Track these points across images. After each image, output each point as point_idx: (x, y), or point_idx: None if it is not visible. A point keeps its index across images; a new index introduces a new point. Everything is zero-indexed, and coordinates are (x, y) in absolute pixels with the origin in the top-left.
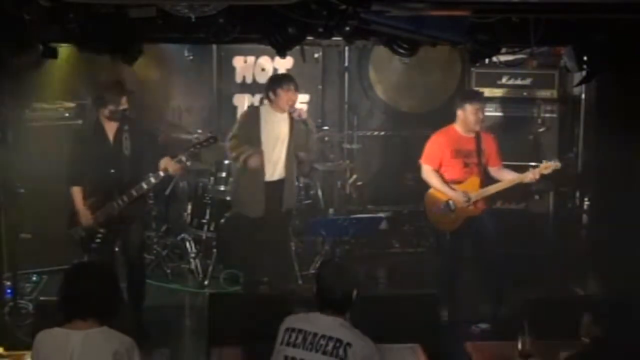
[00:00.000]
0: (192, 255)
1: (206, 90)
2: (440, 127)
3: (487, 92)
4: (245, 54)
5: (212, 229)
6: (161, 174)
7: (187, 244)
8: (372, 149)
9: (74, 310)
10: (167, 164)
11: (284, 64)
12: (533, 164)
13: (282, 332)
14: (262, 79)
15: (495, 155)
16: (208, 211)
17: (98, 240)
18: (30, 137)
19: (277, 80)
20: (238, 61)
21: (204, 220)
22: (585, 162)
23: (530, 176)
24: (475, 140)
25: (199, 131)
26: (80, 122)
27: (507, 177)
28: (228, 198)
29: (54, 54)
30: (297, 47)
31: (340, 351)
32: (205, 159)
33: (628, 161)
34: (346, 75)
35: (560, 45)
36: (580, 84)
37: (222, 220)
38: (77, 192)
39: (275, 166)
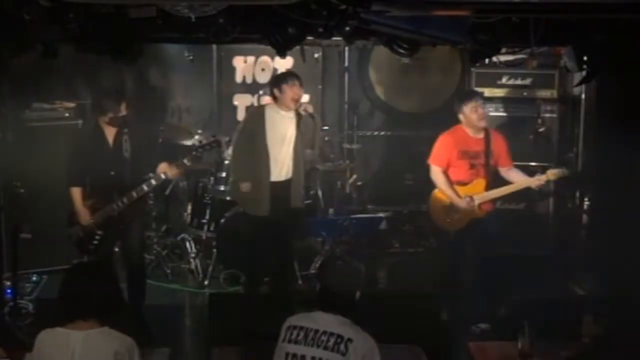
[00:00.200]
0: (192, 255)
1: (206, 90)
2: (440, 127)
3: (487, 92)
4: (245, 54)
5: (212, 229)
6: (162, 176)
7: (187, 244)
8: (372, 149)
9: (74, 311)
10: (165, 169)
11: (284, 64)
12: (533, 164)
13: (284, 331)
14: (262, 79)
15: (505, 155)
16: (208, 211)
17: (95, 242)
18: (30, 137)
19: (282, 77)
20: (238, 61)
21: (204, 220)
22: (585, 162)
23: (536, 182)
24: (484, 141)
25: (199, 131)
26: (80, 122)
27: (516, 178)
28: (228, 198)
29: (54, 54)
30: (297, 47)
31: (342, 346)
32: (205, 159)
33: (628, 161)
34: (346, 75)
35: (560, 45)
36: (580, 84)
37: (222, 220)
38: (76, 192)
39: (282, 166)
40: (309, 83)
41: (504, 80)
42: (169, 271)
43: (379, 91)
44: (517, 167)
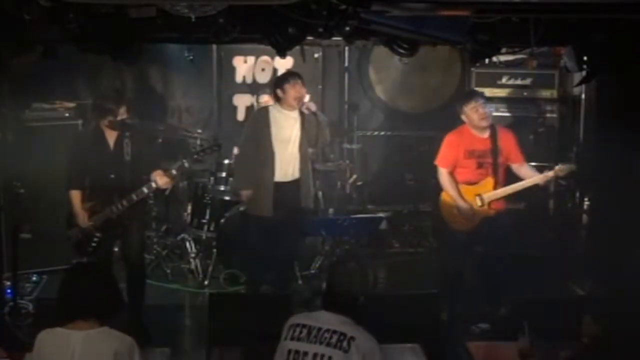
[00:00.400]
0: (192, 255)
1: (206, 90)
2: (440, 127)
3: (487, 92)
4: (245, 54)
5: (212, 229)
6: (152, 184)
7: (187, 244)
8: (372, 149)
9: (73, 311)
10: (156, 176)
11: (284, 64)
12: (533, 163)
13: (287, 329)
14: (262, 79)
15: (515, 152)
16: (208, 211)
17: (94, 244)
18: (30, 137)
19: (283, 77)
20: (238, 61)
21: (204, 220)
22: (585, 162)
23: (544, 179)
24: (490, 140)
25: (199, 131)
26: (80, 122)
27: (527, 175)
28: (228, 198)
29: (54, 54)
30: (297, 47)
31: (344, 344)
32: (205, 159)
33: (628, 161)
34: (346, 75)
35: (560, 45)
36: (580, 84)
37: (222, 220)
38: (75, 195)
39: (287, 167)
40: (309, 83)
41: (504, 80)
42: (169, 271)
43: (379, 91)
44: None
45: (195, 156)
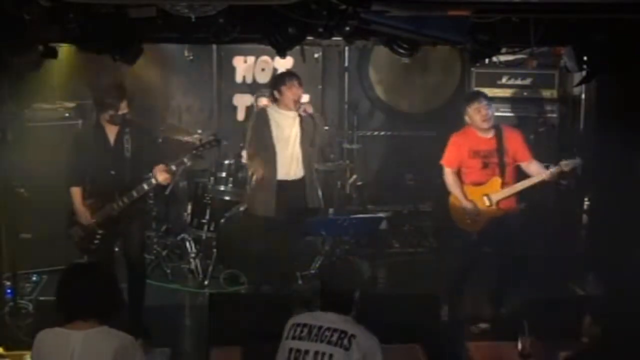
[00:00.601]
0: (192, 255)
1: (206, 90)
2: (440, 127)
3: (487, 92)
4: (245, 54)
5: (212, 229)
6: (152, 180)
7: (187, 244)
8: (372, 149)
9: (72, 311)
10: (156, 172)
11: (284, 64)
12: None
13: (288, 329)
14: (262, 79)
15: (523, 150)
16: (208, 211)
17: (97, 241)
18: (30, 137)
19: (280, 79)
20: (238, 61)
21: (204, 220)
22: (585, 162)
23: (549, 175)
24: (495, 140)
25: (199, 131)
26: (80, 122)
27: (535, 172)
28: (228, 198)
29: (54, 54)
30: (297, 47)
31: (345, 341)
32: (205, 158)
33: (628, 161)
34: (346, 75)
35: (560, 45)
36: (580, 84)
37: (222, 220)
38: (76, 192)
39: (290, 166)
40: (309, 83)
41: (504, 80)
42: (169, 271)
43: (379, 91)
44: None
45: (194, 151)
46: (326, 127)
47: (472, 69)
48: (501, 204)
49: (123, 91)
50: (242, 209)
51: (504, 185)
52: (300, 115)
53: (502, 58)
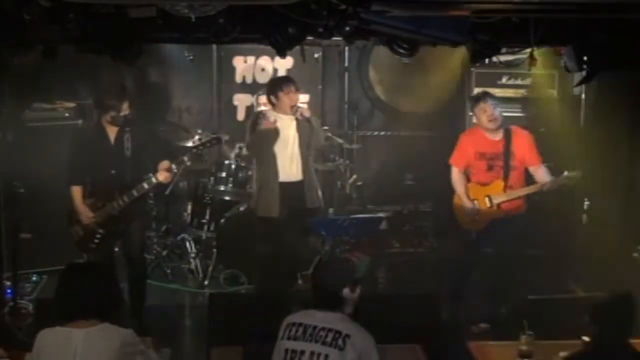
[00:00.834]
0: (192, 255)
1: (206, 90)
2: (440, 127)
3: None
4: (245, 54)
5: (212, 229)
6: (153, 179)
7: (187, 244)
8: (372, 149)
9: (72, 311)
10: (160, 169)
11: (284, 64)
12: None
13: (283, 328)
14: (262, 79)
15: (531, 154)
16: (208, 211)
17: (97, 241)
18: (30, 137)
19: (277, 84)
20: (238, 61)
21: (204, 220)
22: (585, 162)
23: (551, 185)
24: (503, 143)
25: (199, 131)
26: (80, 122)
27: (539, 178)
28: (228, 198)
29: (54, 54)
30: (297, 47)
31: (340, 341)
32: (205, 158)
33: (628, 161)
34: (346, 75)
35: (560, 45)
36: (580, 84)
37: (222, 220)
38: (76, 191)
39: (290, 167)
40: (309, 83)
41: (504, 80)
42: (169, 271)
43: (379, 91)
44: None
45: (195, 150)
46: (325, 127)
47: (472, 69)
48: (503, 205)
49: (124, 92)
50: (242, 209)
51: (506, 188)
52: (297, 118)
53: (502, 58)
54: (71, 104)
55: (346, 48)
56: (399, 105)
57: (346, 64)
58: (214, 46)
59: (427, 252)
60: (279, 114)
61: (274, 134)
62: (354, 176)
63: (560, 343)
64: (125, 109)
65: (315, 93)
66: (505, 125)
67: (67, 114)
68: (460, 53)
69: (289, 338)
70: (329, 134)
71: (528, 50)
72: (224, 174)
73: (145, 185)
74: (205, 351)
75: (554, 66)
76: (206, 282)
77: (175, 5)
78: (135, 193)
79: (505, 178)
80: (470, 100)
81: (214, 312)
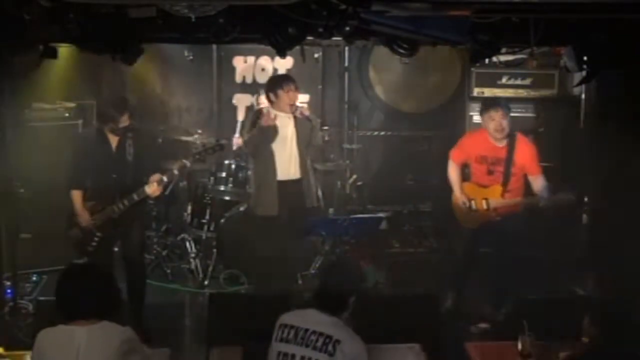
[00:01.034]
0: (192, 255)
1: (206, 90)
2: (440, 127)
3: (487, 92)
4: (245, 54)
5: (212, 229)
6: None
7: (187, 244)
8: (372, 149)
9: (72, 312)
10: (150, 183)
11: (284, 64)
12: None
13: (277, 329)
14: (262, 79)
15: (531, 164)
16: (208, 211)
17: (94, 244)
18: (30, 137)
19: (277, 82)
20: (238, 61)
21: (204, 220)
22: (585, 162)
23: (544, 203)
24: (506, 149)
25: (199, 131)
26: (80, 122)
27: (535, 189)
28: (228, 198)
29: (54, 54)
30: (297, 47)
31: (330, 347)
32: (206, 158)
33: (628, 161)
34: (346, 75)
35: (560, 45)
36: (580, 84)
37: (222, 220)
38: (77, 194)
39: (288, 165)
40: (309, 83)
41: (504, 80)
42: (169, 271)
43: (379, 91)
44: None
45: (197, 156)
46: (325, 127)
47: (472, 69)
48: (499, 209)
49: (125, 104)
50: (242, 209)
51: (504, 193)
52: (295, 117)
53: (502, 58)
54: (71, 104)
55: (346, 48)
56: (399, 105)
57: (346, 64)
58: (214, 46)
59: (427, 252)
60: (277, 112)
61: (273, 131)
62: (354, 176)
63: (560, 343)
64: (124, 121)
65: (315, 93)
66: (510, 131)
67: (67, 114)
68: (460, 53)
69: (281, 340)
70: (326, 137)
71: (528, 50)
72: (223, 174)
73: (146, 190)
74: (205, 351)
75: (554, 66)
76: (206, 282)
77: (175, 5)
78: (135, 197)
79: (505, 183)
80: (478, 103)
81: (214, 312)
